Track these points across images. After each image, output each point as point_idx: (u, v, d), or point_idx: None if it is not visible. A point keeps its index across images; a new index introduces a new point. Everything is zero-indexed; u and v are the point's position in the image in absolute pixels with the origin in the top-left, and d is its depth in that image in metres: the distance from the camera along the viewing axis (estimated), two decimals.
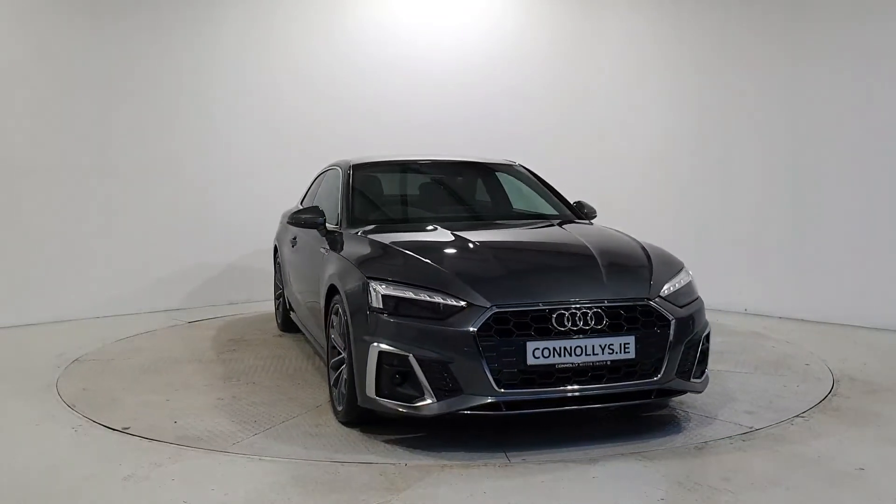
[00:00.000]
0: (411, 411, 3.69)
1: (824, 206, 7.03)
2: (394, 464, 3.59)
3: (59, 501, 3.31)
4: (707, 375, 4.20)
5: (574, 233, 4.66)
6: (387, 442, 3.88)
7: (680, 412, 4.33)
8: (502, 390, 3.59)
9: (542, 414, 3.91)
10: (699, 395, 4.31)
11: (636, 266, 4.15)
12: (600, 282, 3.91)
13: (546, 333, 3.64)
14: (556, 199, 5.48)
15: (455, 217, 5.27)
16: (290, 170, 8.00)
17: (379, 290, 3.82)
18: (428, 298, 3.73)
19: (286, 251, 6.17)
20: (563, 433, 4.02)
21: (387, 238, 4.41)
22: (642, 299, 3.84)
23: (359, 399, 3.87)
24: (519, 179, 5.73)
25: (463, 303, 3.68)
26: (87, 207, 7.37)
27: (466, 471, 3.51)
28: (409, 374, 3.67)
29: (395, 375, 3.71)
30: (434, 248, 4.31)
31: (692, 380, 4.02)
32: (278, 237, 6.67)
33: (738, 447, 3.81)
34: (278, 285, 6.71)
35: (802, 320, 7.02)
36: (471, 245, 4.28)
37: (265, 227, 7.34)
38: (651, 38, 8.28)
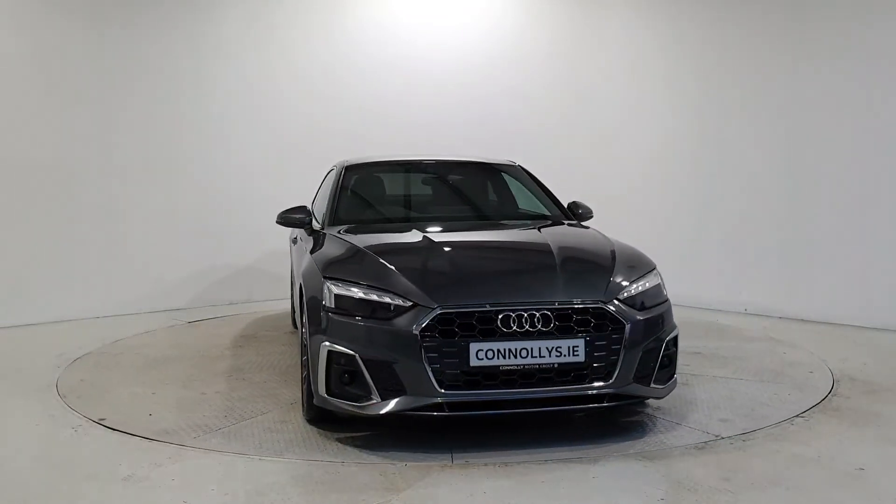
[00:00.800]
0: (358, 411, 3.72)
1: (824, 205, 7.03)
2: (394, 464, 3.59)
3: (59, 501, 3.31)
4: (674, 381, 4.11)
5: (547, 235, 4.59)
6: (339, 441, 3.89)
7: (652, 417, 4.26)
8: (444, 391, 3.57)
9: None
10: (690, 400, 4.29)
11: (596, 269, 4.07)
12: (554, 284, 3.87)
13: (491, 335, 3.60)
14: (549, 199, 5.43)
15: (438, 217, 5.28)
16: (290, 170, 8.01)
17: (333, 289, 3.86)
18: (377, 298, 3.75)
19: (291, 249, 6.24)
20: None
21: (358, 238, 4.46)
22: (595, 302, 3.76)
23: (314, 398, 3.91)
24: (515, 180, 5.70)
25: (409, 303, 3.68)
26: (88, 208, 7.37)
27: (466, 471, 3.51)
28: (357, 374, 3.69)
29: (343, 375, 3.73)
30: (397, 250, 4.37)
31: (653, 385, 3.92)
32: (290, 236, 6.74)
33: (738, 447, 3.81)
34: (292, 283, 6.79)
35: (802, 320, 7.02)
36: (434, 246, 4.28)
37: (266, 227, 7.31)
38: (650, 39, 8.28)
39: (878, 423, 4.19)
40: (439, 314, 3.61)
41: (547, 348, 3.62)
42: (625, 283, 3.95)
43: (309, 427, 4.10)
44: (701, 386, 4.86)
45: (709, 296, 7.67)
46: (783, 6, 7.25)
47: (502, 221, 5.26)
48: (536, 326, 3.64)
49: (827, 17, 6.96)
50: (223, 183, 8.00)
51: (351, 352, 3.69)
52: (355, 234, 4.61)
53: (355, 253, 4.22)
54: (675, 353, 4.12)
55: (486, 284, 3.87)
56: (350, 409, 3.74)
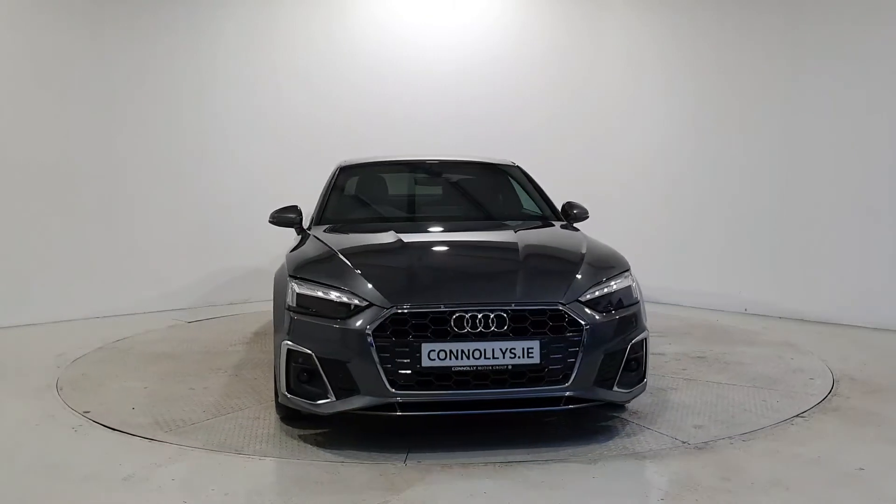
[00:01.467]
0: (314, 409, 3.76)
1: (824, 205, 7.03)
2: (394, 464, 3.59)
3: (59, 501, 3.31)
4: (643, 385, 4.04)
5: (522, 236, 4.54)
6: (301, 437, 3.95)
7: (625, 421, 4.18)
8: (397, 391, 3.58)
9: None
10: (672, 405, 4.26)
11: (561, 270, 4.04)
12: (513, 285, 3.85)
13: (444, 335, 3.59)
14: (542, 200, 5.38)
15: (424, 218, 5.31)
16: (291, 170, 8.00)
17: (296, 288, 3.91)
18: (335, 298, 3.78)
19: None
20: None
21: (335, 239, 4.51)
22: (554, 304, 3.71)
23: (279, 396, 3.96)
24: (511, 180, 5.66)
25: (366, 303, 3.69)
26: (88, 208, 7.37)
27: (466, 471, 3.51)
28: (314, 373, 3.73)
29: (302, 373, 3.78)
30: (365, 250, 4.41)
31: (616, 389, 3.85)
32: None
33: (738, 447, 3.81)
34: None
35: (802, 320, 7.02)
36: (402, 247, 4.27)
37: (266, 227, 7.31)
38: (648, 40, 8.28)
39: (878, 423, 4.20)
40: (392, 314, 3.61)
41: (501, 350, 3.59)
42: (589, 285, 3.89)
43: (278, 424, 4.14)
44: (690, 391, 4.77)
45: (709, 296, 7.67)
46: (780, 8, 7.26)
47: (486, 222, 5.21)
48: (490, 328, 3.61)
49: (825, 19, 6.96)
50: (224, 183, 8.00)
51: (308, 351, 3.73)
52: (335, 234, 4.67)
53: (324, 253, 4.25)
54: (644, 356, 4.02)
55: (445, 285, 3.88)
56: (308, 407, 3.78)
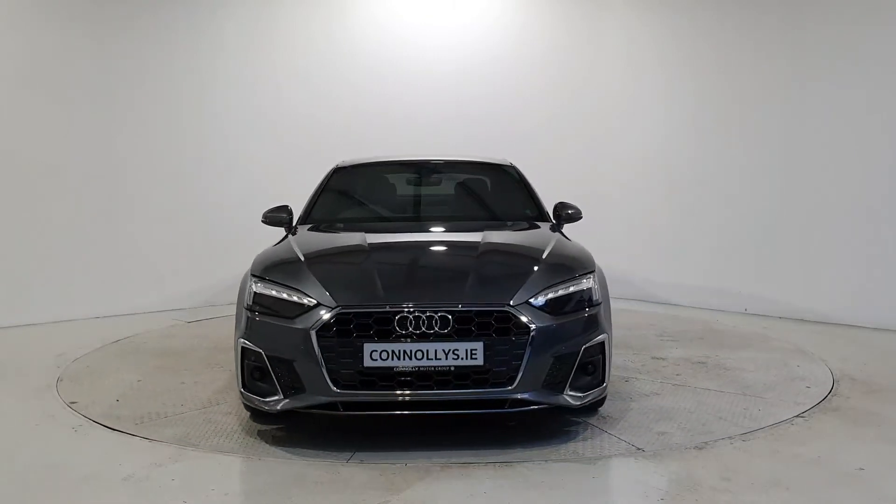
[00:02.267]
0: (264, 407, 3.81)
1: (824, 205, 7.03)
2: (394, 464, 3.59)
3: (59, 501, 3.31)
4: (600, 390, 3.92)
5: (489, 237, 4.46)
6: (258, 434, 4.01)
7: (588, 425, 4.11)
8: (339, 390, 3.60)
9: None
10: (647, 410, 4.23)
11: (514, 272, 3.98)
12: (463, 286, 3.83)
13: (387, 336, 3.60)
14: (531, 201, 5.31)
15: (403, 218, 5.35)
16: (291, 170, 7.99)
17: (253, 287, 3.98)
18: (286, 297, 3.82)
19: None
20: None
21: (306, 238, 4.60)
22: (501, 305, 3.67)
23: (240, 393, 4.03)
24: (505, 180, 5.61)
25: (314, 303, 3.72)
26: (88, 208, 7.37)
27: (466, 471, 3.51)
28: (265, 371, 3.78)
29: (254, 371, 3.84)
30: (326, 250, 4.49)
31: (567, 393, 3.77)
32: None
33: (738, 447, 3.81)
34: None
35: (802, 320, 7.02)
36: (363, 248, 4.27)
37: (266, 227, 7.32)
38: (648, 40, 8.27)
39: (878, 423, 4.20)
40: (337, 314, 3.64)
41: (443, 351, 3.58)
42: (542, 287, 3.82)
43: (244, 420, 4.21)
44: (674, 396, 4.64)
45: (709, 296, 7.67)
46: (780, 9, 7.26)
47: (463, 223, 5.12)
48: (434, 328, 3.61)
49: (824, 19, 6.96)
50: (224, 183, 8.00)
51: (258, 349, 3.79)
52: (311, 234, 4.76)
53: (287, 253, 4.29)
54: (602, 360, 3.91)
55: (394, 286, 3.87)
56: (260, 405, 3.83)
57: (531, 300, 3.75)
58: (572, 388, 3.80)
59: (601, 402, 4.13)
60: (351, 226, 5.01)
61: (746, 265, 7.56)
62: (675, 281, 7.98)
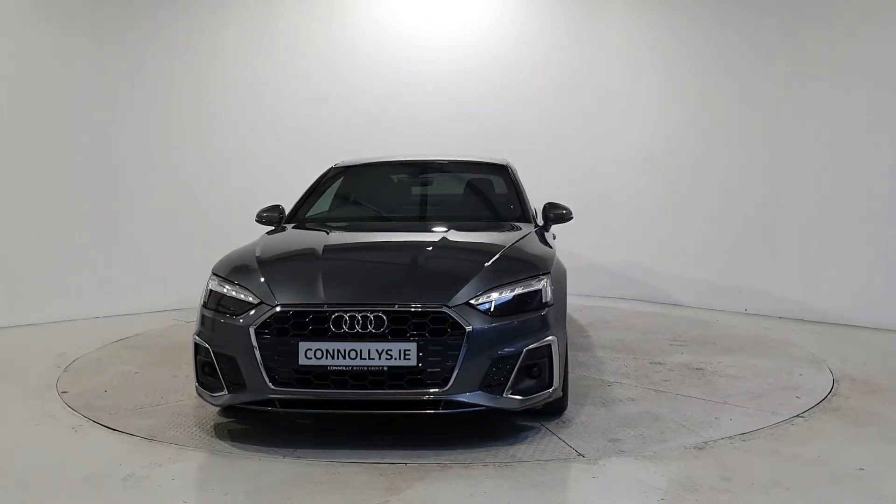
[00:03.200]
0: (212, 401, 3.95)
1: (824, 205, 7.03)
2: (394, 464, 3.59)
3: (59, 501, 3.31)
4: (545, 394, 3.83)
5: (450, 237, 4.50)
6: (213, 427, 4.11)
7: (539, 428, 4.04)
8: (276, 388, 3.65)
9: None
10: (610, 415, 4.22)
11: (458, 273, 3.93)
12: (402, 286, 3.86)
13: (322, 335, 3.63)
14: (517, 201, 5.27)
15: (381, 218, 5.39)
16: (291, 170, 7.96)
17: (209, 285, 4.11)
18: (234, 295, 3.91)
19: None
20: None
21: (276, 238, 4.76)
22: (437, 305, 3.65)
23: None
24: (491, 180, 5.60)
25: (257, 301, 3.78)
26: (87, 208, 7.38)
27: (466, 471, 3.51)
28: (213, 367, 3.88)
29: (204, 366, 3.95)
30: (282, 250, 4.55)
31: (507, 395, 3.71)
32: None
33: (738, 447, 3.81)
34: None
35: (802, 320, 7.02)
36: (318, 247, 4.31)
37: (266, 228, 7.33)
38: (648, 40, 8.28)
39: (878, 423, 4.20)
40: (276, 312, 3.69)
41: (377, 350, 3.59)
42: (485, 288, 3.77)
43: (207, 414, 4.28)
44: (649, 403, 4.50)
45: (709, 296, 7.67)
46: (780, 9, 7.26)
47: (436, 223, 5.01)
48: (368, 328, 3.63)
49: (825, 19, 6.97)
50: (224, 183, 8.00)
51: (206, 345, 3.90)
52: (283, 233, 4.88)
53: (247, 252, 4.38)
54: (547, 363, 3.82)
55: (334, 286, 3.87)
56: (209, 399, 3.96)
57: (472, 301, 3.72)
58: (514, 391, 3.75)
59: (562, 406, 4.14)
60: (326, 226, 5.10)
61: (746, 265, 7.56)
62: (675, 280, 7.98)
